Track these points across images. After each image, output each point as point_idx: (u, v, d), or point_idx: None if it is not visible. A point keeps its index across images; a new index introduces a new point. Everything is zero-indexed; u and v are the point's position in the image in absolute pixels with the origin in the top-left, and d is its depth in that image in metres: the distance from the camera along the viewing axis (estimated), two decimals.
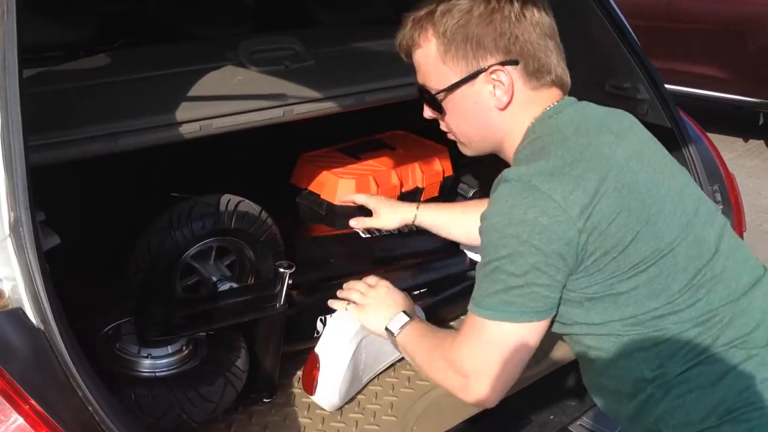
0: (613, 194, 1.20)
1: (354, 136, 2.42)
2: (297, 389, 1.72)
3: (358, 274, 1.82)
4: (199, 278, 1.79)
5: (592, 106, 1.40)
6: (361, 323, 1.58)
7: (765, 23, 5.37)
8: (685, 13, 5.74)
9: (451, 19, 1.30)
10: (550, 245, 1.17)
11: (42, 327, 1.06)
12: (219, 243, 1.77)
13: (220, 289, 1.70)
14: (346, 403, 1.70)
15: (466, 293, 1.97)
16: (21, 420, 1.00)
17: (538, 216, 1.16)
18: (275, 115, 1.76)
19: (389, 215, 1.90)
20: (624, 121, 1.39)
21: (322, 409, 1.67)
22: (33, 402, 1.00)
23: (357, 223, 1.94)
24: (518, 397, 1.73)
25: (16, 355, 1.04)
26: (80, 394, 1.04)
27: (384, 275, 1.76)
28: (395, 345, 1.49)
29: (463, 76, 1.32)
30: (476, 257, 2.04)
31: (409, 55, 1.40)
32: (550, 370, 1.84)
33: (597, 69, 2.15)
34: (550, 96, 1.34)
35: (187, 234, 1.68)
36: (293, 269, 1.60)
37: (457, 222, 1.83)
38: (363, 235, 2.00)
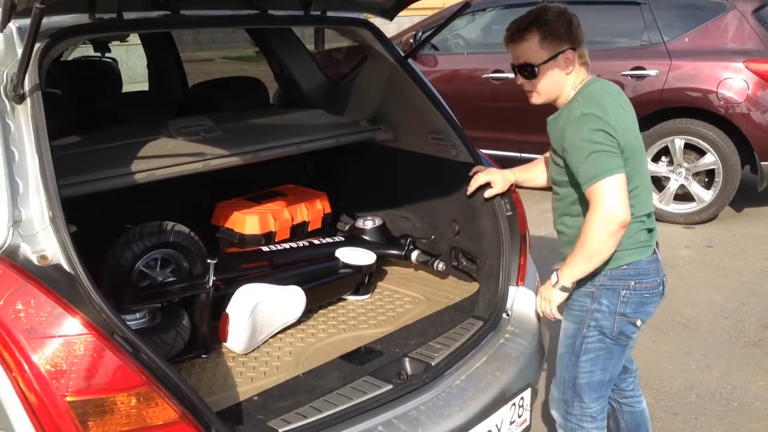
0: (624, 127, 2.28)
1: (260, 188, 3.29)
2: (225, 349, 2.51)
3: (261, 273, 2.66)
4: (151, 281, 2.59)
5: (608, 83, 2.43)
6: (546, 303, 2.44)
7: None
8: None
9: (546, 25, 2.33)
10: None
11: (72, 272, 1.83)
12: (162, 254, 2.58)
13: None
14: (258, 354, 2.49)
15: (334, 284, 2.83)
16: (71, 318, 1.77)
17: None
18: (198, 167, 2.61)
19: (501, 182, 2.82)
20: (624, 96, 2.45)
21: (243, 356, 2.46)
22: (72, 306, 1.78)
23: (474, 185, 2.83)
24: (373, 343, 2.57)
25: (60, 286, 1.81)
26: (95, 303, 1.80)
27: (277, 272, 2.61)
28: (571, 288, 2.39)
29: (552, 55, 2.33)
30: (347, 260, 2.90)
31: (513, 44, 2.39)
32: (395, 329, 2.69)
33: (422, 126, 3.11)
34: (586, 71, 2.40)
35: (140, 246, 2.49)
36: (216, 260, 2.42)
37: (541, 173, 2.80)
38: (264, 249, 2.84)
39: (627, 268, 2.36)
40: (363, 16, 2.97)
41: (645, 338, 4.35)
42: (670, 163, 6.40)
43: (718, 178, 6.23)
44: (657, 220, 6.52)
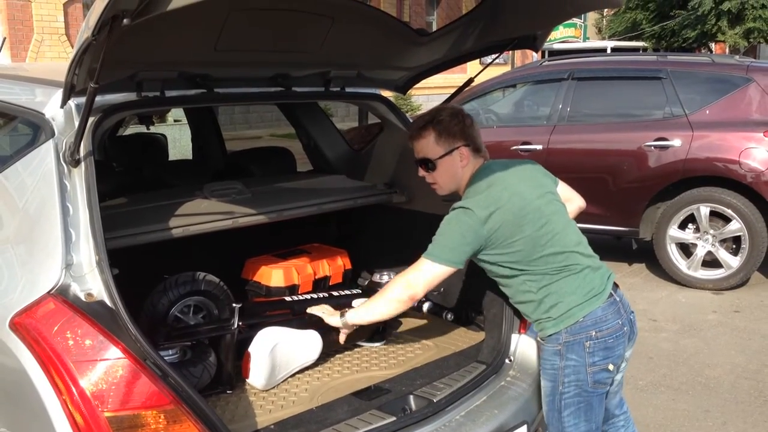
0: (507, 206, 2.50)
1: (289, 247, 3.62)
2: (248, 387, 2.79)
3: (281, 318, 2.96)
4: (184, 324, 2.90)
5: (497, 164, 2.66)
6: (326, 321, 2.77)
7: (618, 171, 6.80)
8: (560, 165, 7.16)
9: (440, 124, 2.62)
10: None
11: (114, 307, 2.16)
12: (194, 301, 2.90)
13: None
14: (277, 390, 2.76)
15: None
16: (112, 345, 2.09)
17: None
18: (227, 224, 2.95)
19: None
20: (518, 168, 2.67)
21: (264, 392, 2.74)
22: (112, 335, 2.09)
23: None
24: (382, 382, 2.82)
25: (103, 319, 2.13)
26: (131, 333, 2.12)
27: (297, 319, 2.91)
28: (350, 326, 2.72)
29: (447, 151, 2.62)
30: None
31: (414, 140, 2.68)
32: (403, 371, 2.94)
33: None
34: (482, 162, 2.66)
35: (175, 293, 2.81)
36: (241, 305, 2.73)
37: None
38: (287, 299, 3.15)
39: (583, 321, 2.52)
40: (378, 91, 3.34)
41: (663, 397, 4.48)
42: (697, 230, 6.56)
43: (745, 245, 6.35)
44: (686, 286, 6.63)
